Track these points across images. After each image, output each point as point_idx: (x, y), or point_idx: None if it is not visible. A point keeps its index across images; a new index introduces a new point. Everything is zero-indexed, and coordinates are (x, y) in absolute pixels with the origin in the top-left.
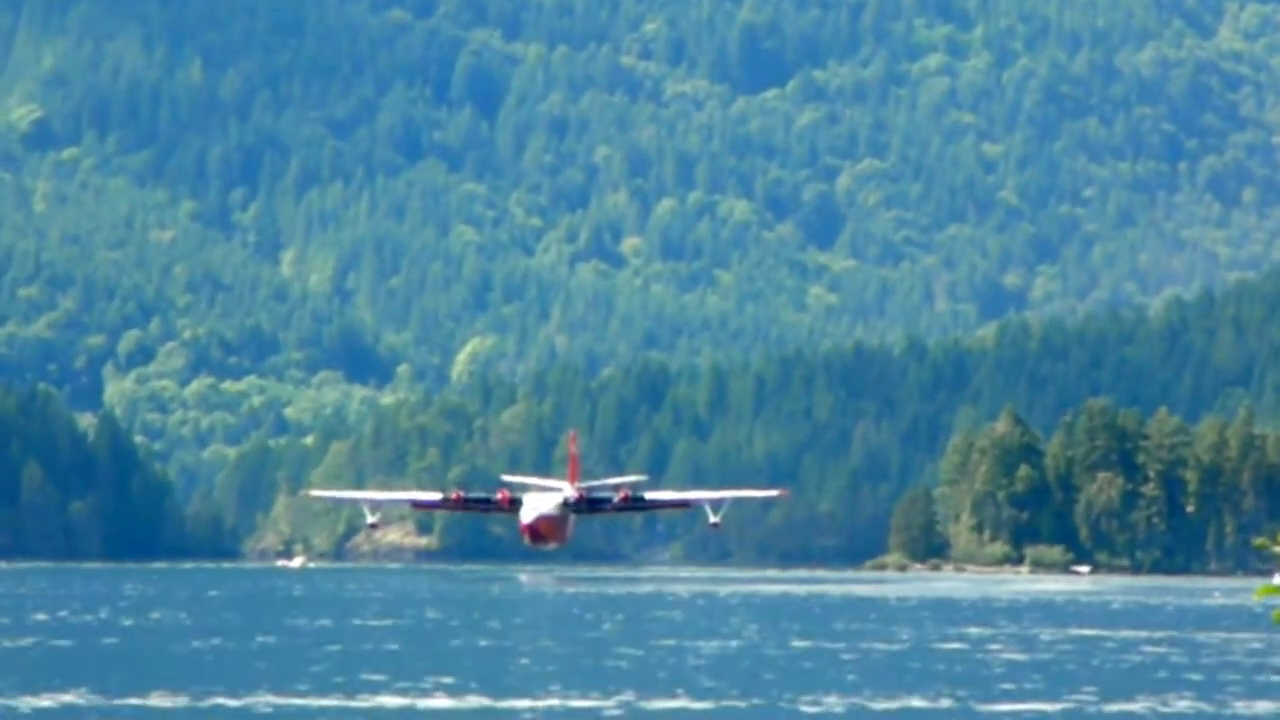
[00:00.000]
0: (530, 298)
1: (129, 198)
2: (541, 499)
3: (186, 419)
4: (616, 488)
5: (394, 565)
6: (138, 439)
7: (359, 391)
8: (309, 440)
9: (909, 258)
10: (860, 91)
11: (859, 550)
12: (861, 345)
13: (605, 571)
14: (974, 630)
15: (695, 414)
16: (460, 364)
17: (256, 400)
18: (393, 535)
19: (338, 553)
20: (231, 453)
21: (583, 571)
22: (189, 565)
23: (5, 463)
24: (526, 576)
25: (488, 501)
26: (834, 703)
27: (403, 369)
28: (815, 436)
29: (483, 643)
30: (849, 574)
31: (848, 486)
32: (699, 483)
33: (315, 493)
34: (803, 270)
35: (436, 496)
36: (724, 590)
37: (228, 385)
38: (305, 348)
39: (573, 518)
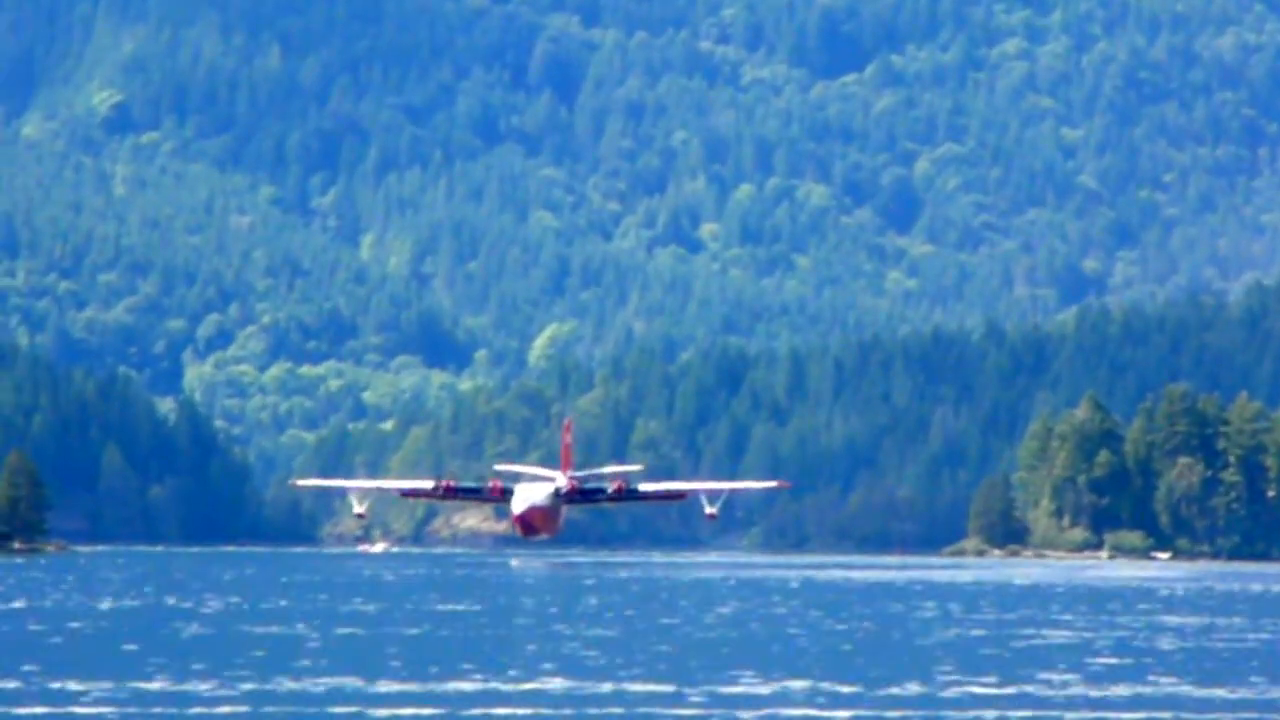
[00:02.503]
0: (608, 282)
1: (208, 183)
2: (533, 489)
3: (265, 403)
4: (611, 478)
5: (470, 550)
6: (217, 423)
7: (437, 376)
8: (387, 425)
9: (988, 242)
10: (939, 76)
11: (937, 536)
12: (940, 330)
13: (666, 557)
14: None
15: (774, 399)
16: (538, 349)
17: (335, 385)
18: (471, 520)
19: (416, 537)
20: (310, 437)
21: (640, 557)
22: (267, 549)
23: (85, 447)
24: (517, 561)
25: (478, 491)
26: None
27: (481, 354)
28: (894, 422)
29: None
30: (930, 559)
31: (926, 472)
32: (778, 469)
33: (302, 482)
34: (881, 255)
35: (427, 485)
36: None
37: (306, 370)
38: (384, 332)
39: (564, 508)
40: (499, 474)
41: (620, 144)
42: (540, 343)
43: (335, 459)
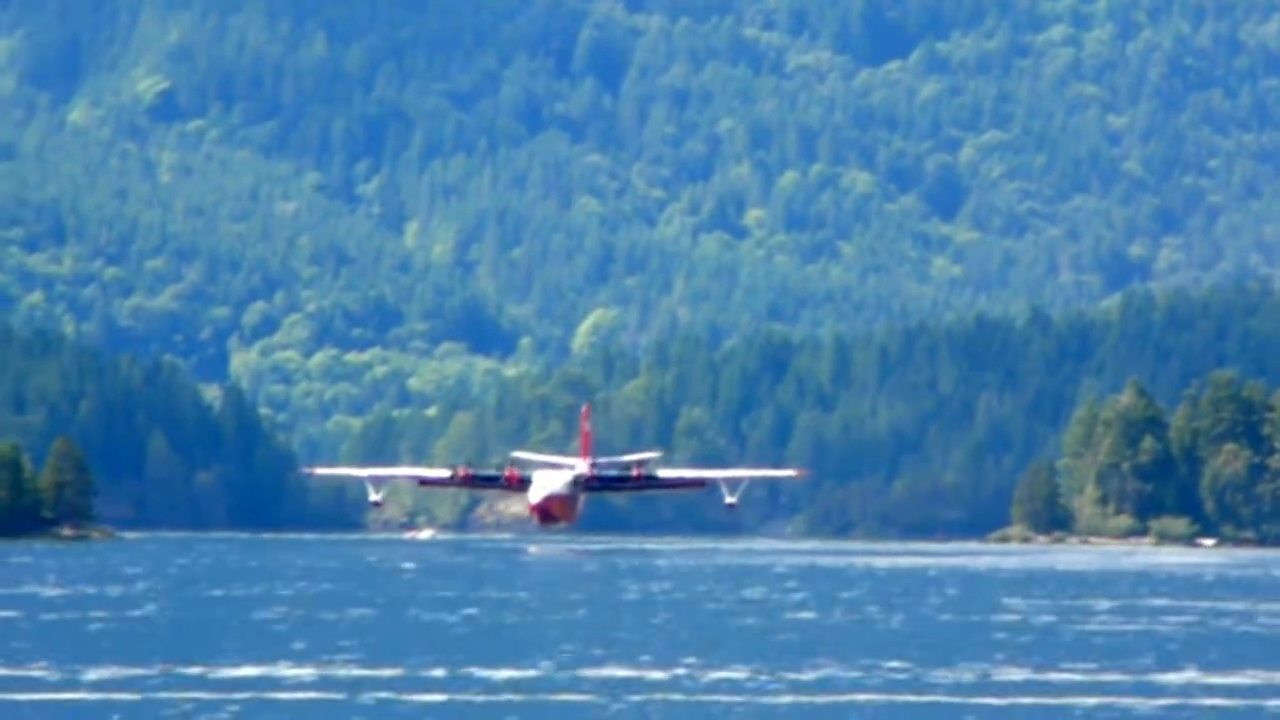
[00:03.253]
0: (653, 269)
1: (254, 170)
2: (551, 477)
3: (310, 390)
4: (630, 465)
5: (509, 536)
6: (262, 410)
7: (481, 363)
8: (432, 412)
9: (1033, 229)
10: (984, 63)
11: (981, 523)
12: (985, 317)
13: (712, 544)
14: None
15: (818, 386)
16: (582, 336)
17: (380, 371)
18: (516, 506)
19: (461, 524)
20: (355, 424)
21: (696, 544)
22: (313, 536)
23: (131, 434)
24: (535, 548)
25: (495, 479)
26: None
27: (525, 341)
28: (938, 408)
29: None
30: (978, 546)
31: (971, 459)
32: (822, 456)
33: (318, 470)
34: (926, 242)
35: (444, 474)
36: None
37: (351, 357)
38: (428, 319)
39: (583, 496)
40: (516, 462)
41: (664, 130)
42: (584, 329)
43: (380, 445)
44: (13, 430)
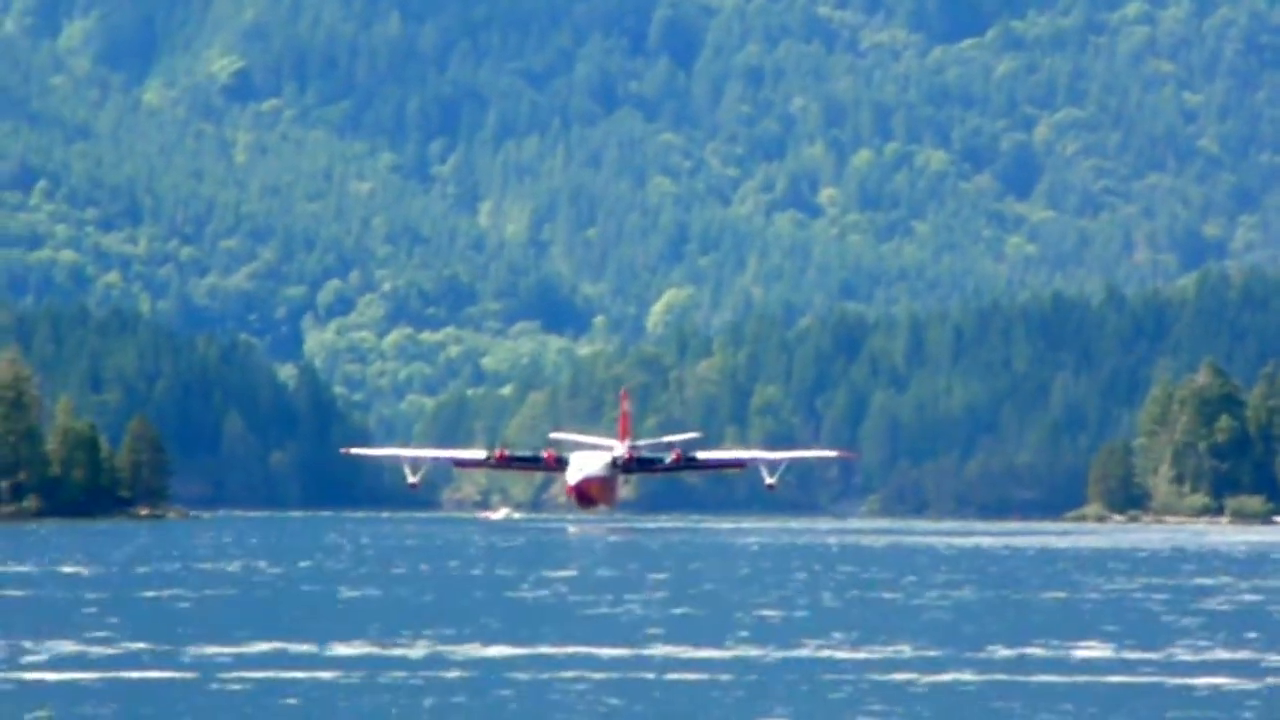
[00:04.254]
0: (727, 248)
1: (328, 149)
2: (589, 459)
3: (385, 370)
4: (669, 446)
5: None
6: (337, 389)
7: (555, 342)
8: (506, 391)
9: (1108, 207)
10: (1059, 40)
11: (1056, 502)
12: (1060, 295)
13: (795, 523)
14: None
15: (892, 365)
16: (656, 314)
17: (454, 351)
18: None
19: (535, 503)
20: (429, 403)
21: (773, 523)
22: (387, 514)
23: (207, 413)
24: (574, 528)
25: (533, 460)
26: None
27: (599, 320)
28: (1013, 388)
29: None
30: (1051, 525)
31: (1046, 438)
32: (897, 435)
33: (355, 450)
34: (1000, 220)
35: (480, 455)
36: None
37: (426, 336)
38: (502, 298)
39: (621, 478)
40: (555, 443)
41: (739, 109)
42: (658, 308)
43: (454, 425)
44: (89, 410)
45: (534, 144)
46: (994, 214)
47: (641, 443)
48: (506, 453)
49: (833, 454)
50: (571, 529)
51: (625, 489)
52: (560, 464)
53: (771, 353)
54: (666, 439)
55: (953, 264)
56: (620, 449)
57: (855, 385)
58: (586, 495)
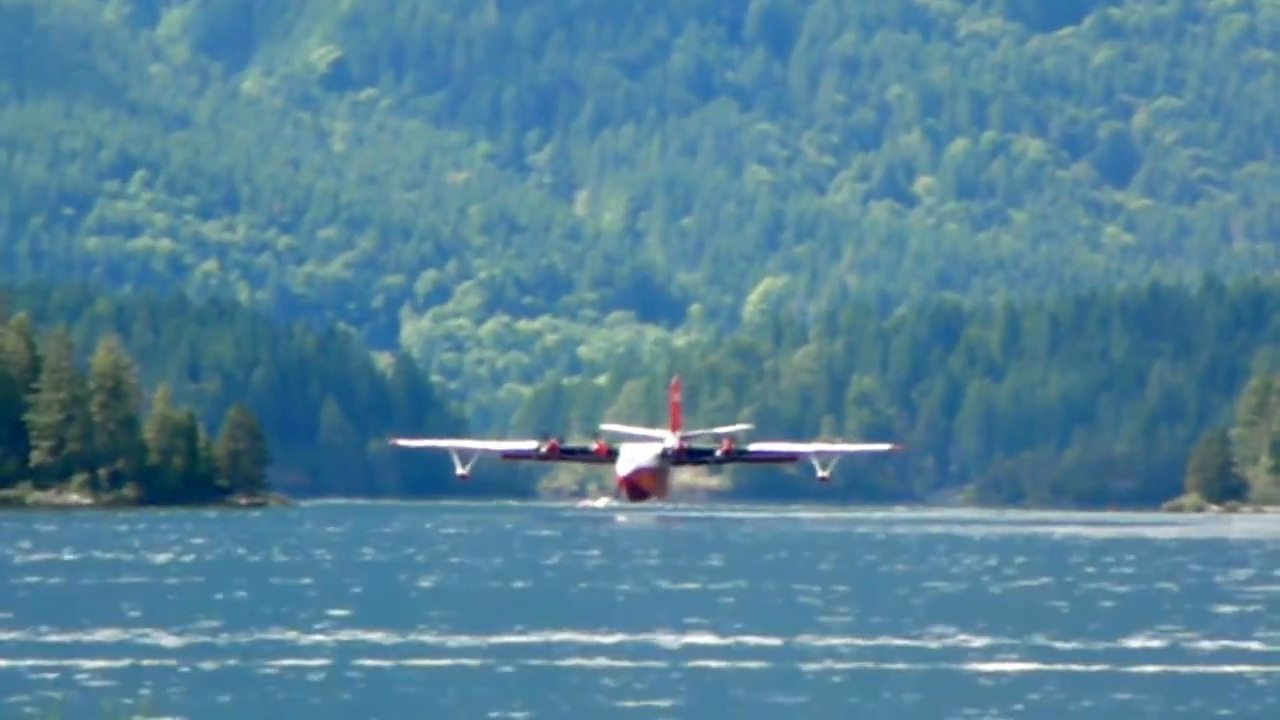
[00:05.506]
0: (822, 237)
1: (425, 139)
2: (639, 450)
3: (482, 358)
4: (719, 438)
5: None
6: (434, 378)
7: (651, 331)
8: (602, 380)
9: (1206, 196)
10: (1157, 28)
11: (1154, 492)
12: (1158, 285)
13: (885, 513)
14: None
15: (989, 355)
16: (752, 304)
17: (550, 340)
18: (685, 475)
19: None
20: (526, 392)
21: (857, 514)
22: (487, 504)
23: (304, 401)
24: (623, 517)
25: (584, 452)
26: None
27: (695, 309)
28: (1111, 377)
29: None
30: (1150, 515)
31: (1143, 428)
32: (993, 425)
33: (402, 441)
34: (1098, 209)
35: (531, 446)
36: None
37: (522, 325)
38: (598, 288)
39: (672, 469)
40: (605, 434)
41: (835, 98)
42: (754, 297)
43: (551, 413)
44: (187, 398)
45: (630, 133)
46: (1091, 203)
47: (692, 433)
48: (558, 444)
49: (886, 447)
50: (620, 518)
51: (718, 479)
52: (611, 455)
53: (867, 342)
54: (717, 430)
55: (1050, 253)
56: (671, 440)
57: (951, 375)
58: (637, 487)
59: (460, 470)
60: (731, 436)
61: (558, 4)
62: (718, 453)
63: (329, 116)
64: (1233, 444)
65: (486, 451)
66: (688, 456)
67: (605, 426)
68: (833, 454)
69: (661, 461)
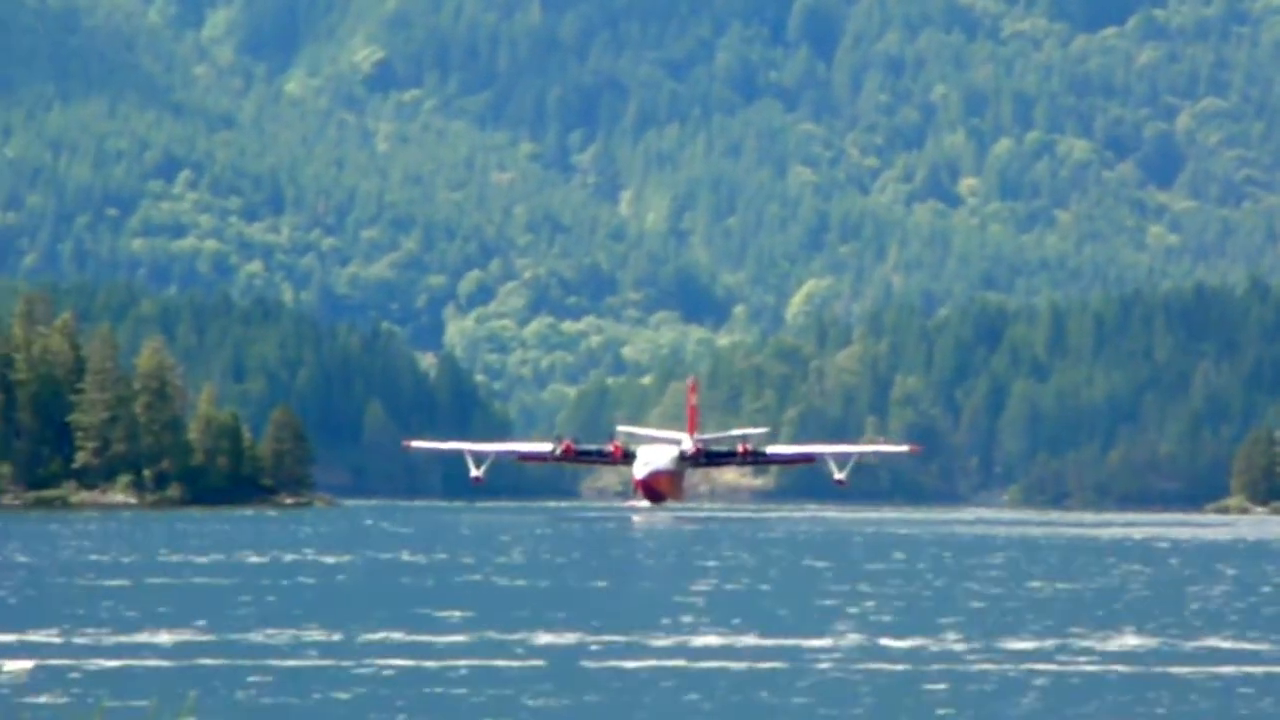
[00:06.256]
0: (866, 237)
1: (469, 139)
2: (656, 452)
3: (526, 359)
4: (736, 440)
5: (734, 506)
6: (478, 378)
7: (695, 332)
8: (646, 380)
9: (1250, 197)
10: (1201, 29)
11: (1198, 493)
12: (1203, 285)
13: (925, 514)
14: None
15: (1033, 355)
16: (796, 304)
17: (594, 340)
18: (729, 475)
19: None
20: (570, 392)
21: (909, 514)
22: (533, 504)
23: (348, 401)
24: (639, 517)
25: (600, 454)
26: None
27: (739, 309)
28: (1155, 378)
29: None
30: (1194, 517)
31: (1188, 428)
32: (1038, 425)
33: (416, 443)
34: (1142, 210)
35: (547, 448)
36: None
37: (566, 325)
38: (642, 288)
39: (689, 471)
40: (621, 436)
41: (878, 99)
42: (798, 298)
43: (595, 414)
44: (232, 399)
45: (674, 134)
46: (1136, 203)
47: (709, 436)
48: (573, 446)
49: (903, 448)
50: (636, 518)
51: (763, 479)
52: (627, 457)
53: (911, 343)
54: (734, 432)
55: (1094, 254)
56: (687, 442)
57: (996, 376)
58: (653, 489)
59: (475, 472)
60: (748, 439)
61: (602, 4)
62: (735, 453)
63: (373, 117)
64: (1278, 445)
65: (501, 454)
66: (704, 458)
67: (622, 428)
68: (849, 456)
69: (678, 464)
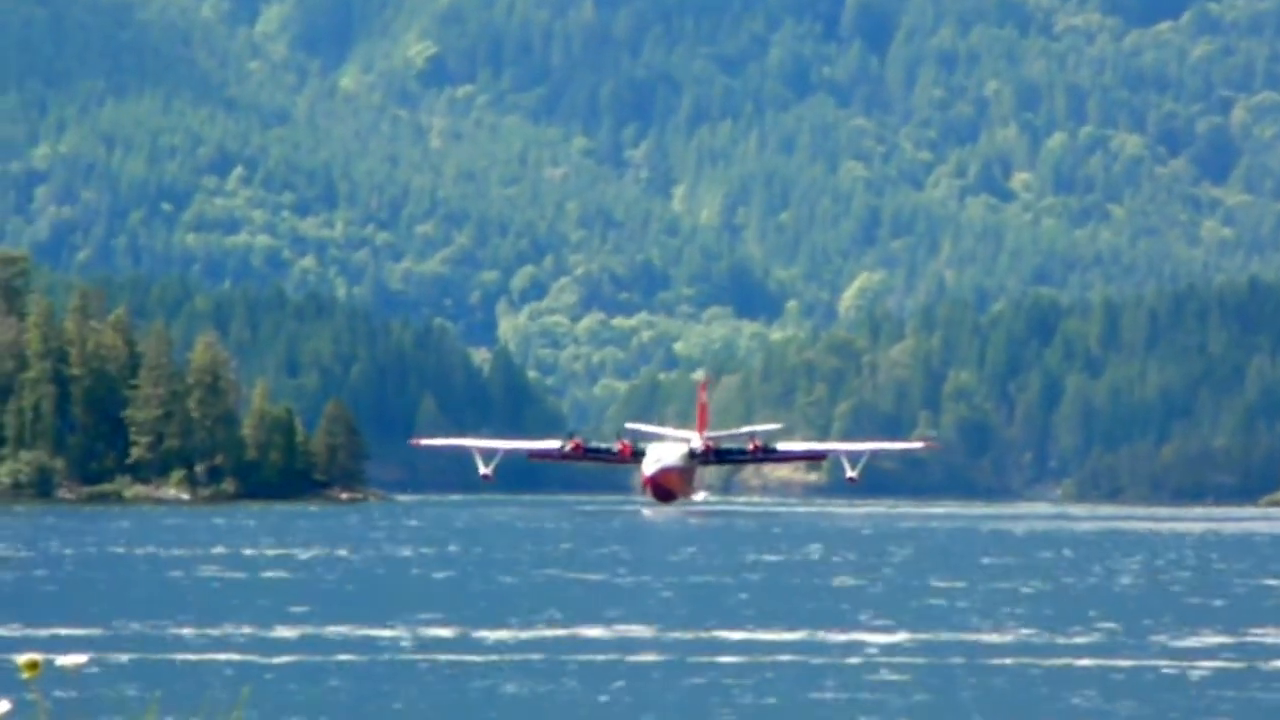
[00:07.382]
0: (919, 232)
1: (522, 135)
2: (665, 450)
3: (578, 354)
4: (746, 437)
5: (785, 500)
6: (531, 374)
7: (748, 327)
8: (698, 375)
9: None
10: (1256, 23)
11: (1253, 487)
12: (1257, 280)
13: (977, 509)
14: None
15: (1087, 350)
16: (848, 299)
17: (647, 335)
18: (783, 471)
19: (726, 486)
20: (623, 388)
21: (945, 509)
22: (585, 499)
23: (401, 397)
24: (648, 511)
25: (608, 452)
26: None
27: (791, 304)
28: (1209, 372)
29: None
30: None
31: (1242, 423)
32: (1091, 420)
33: (425, 441)
34: (1196, 204)
35: (555, 445)
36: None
37: (619, 321)
38: (695, 283)
39: (698, 470)
40: (631, 434)
41: (932, 94)
42: (851, 293)
43: (647, 409)
44: (285, 394)
45: (727, 129)
46: (1190, 198)
47: (719, 433)
48: (582, 443)
49: (918, 445)
50: (646, 512)
51: (815, 475)
52: (636, 455)
53: (964, 337)
54: (744, 429)
55: (1148, 248)
56: (697, 440)
57: (1049, 370)
58: (663, 487)
59: (483, 470)
60: (758, 436)
61: (655, 0)
62: (746, 451)
63: (426, 113)
64: None
65: (509, 451)
66: (715, 456)
67: (630, 426)
68: (862, 453)
69: (688, 461)
